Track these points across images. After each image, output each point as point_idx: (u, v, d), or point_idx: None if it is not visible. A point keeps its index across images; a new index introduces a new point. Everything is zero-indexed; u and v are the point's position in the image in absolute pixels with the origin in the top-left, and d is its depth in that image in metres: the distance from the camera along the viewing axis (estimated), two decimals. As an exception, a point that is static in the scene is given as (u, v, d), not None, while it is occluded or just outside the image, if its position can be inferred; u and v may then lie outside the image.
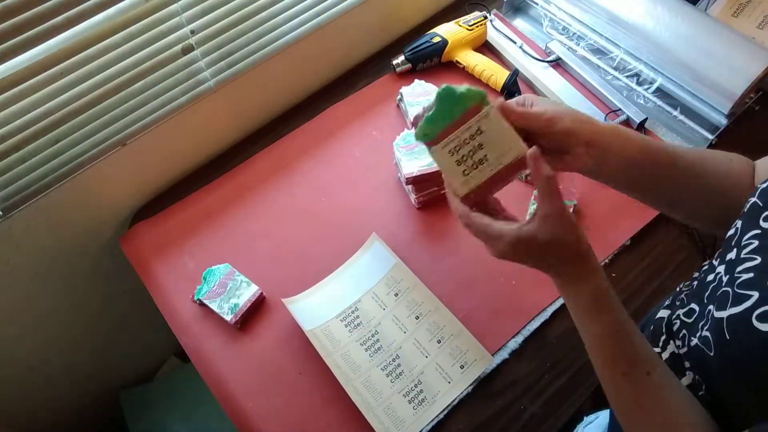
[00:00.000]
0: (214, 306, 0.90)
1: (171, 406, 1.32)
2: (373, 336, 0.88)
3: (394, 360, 0.86)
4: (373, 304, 0.90)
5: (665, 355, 0.60)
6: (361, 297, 0.91)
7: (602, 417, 0.87)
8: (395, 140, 1.01)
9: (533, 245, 0.52)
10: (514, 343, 0.87)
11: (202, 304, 0.92)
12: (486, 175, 0.52)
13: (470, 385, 0.83)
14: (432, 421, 0.81)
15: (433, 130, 0.52)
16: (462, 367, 0.85)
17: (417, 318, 0.89)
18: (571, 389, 0.84)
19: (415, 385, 0.84)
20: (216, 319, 0.91)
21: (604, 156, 0.56)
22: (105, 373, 1.35)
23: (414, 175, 0.95)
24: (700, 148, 0.71)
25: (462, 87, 0.53)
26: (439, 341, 0.87)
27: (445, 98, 0.53)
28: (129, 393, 1.36)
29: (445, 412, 0.82)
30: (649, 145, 0.58)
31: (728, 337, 0.48)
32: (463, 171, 0.52)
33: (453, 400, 0.83)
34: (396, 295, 0.91)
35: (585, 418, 0.90)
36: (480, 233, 0.55)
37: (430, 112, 0.54)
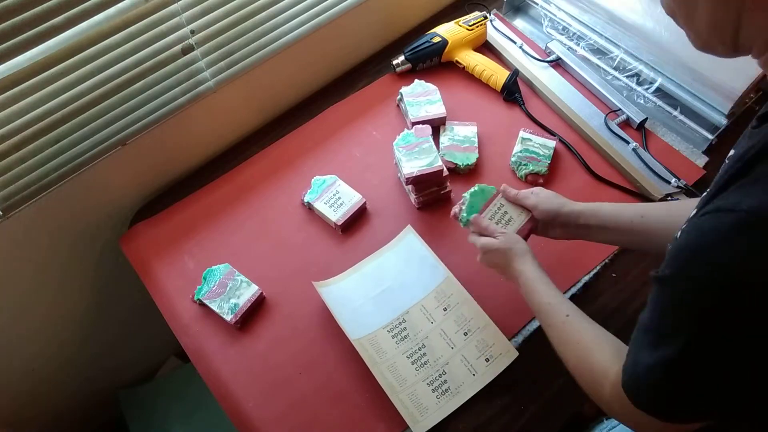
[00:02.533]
0: (214, 306, 0.90)
1: (171, 406, 1.32)
2: (400, 324, 0.89)
3: (420, 349, 0.86)
4: (401, 294, 0.91)
5: None
6: (390, 285, 0.92)
7: None
8: (395, 140, 1.01)
9: (493, 249, 0.79)
10: (514, 343, 0.87)
11: (202, 304, 0.92)
12: (514, 228, 0.83)
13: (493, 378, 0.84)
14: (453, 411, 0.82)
15: (471, 213, 0.84)
16: (487, 360, 0.85)
17: (444, 309, 0.90)
18: (570, 389, 0.83)
19: (440, 375, 0.84)
20: (216, 319, 0.91)
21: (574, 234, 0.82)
22: (105, 373, 1.35)
23: (414, 175, 0.95)
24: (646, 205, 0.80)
25: (485, 185, 0.86)
26: (465, 333, 0.87)
27: (477, 193, 0.86)
28: (129, 393, 1.36)
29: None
30: (609, 215, 0.78)
31: None
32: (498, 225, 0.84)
33: (476, 392, 0.83)
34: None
35: (606, 421, 0.90)
36: (477, 244, 0.82)
37: (466, 204, 0.85)
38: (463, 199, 0.86)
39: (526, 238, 0.82)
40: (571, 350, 0.66)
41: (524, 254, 0.77)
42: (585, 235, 0.81)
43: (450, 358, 0.86)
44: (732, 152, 0.56)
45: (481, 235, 0.81)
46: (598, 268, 0.94)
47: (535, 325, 0.89)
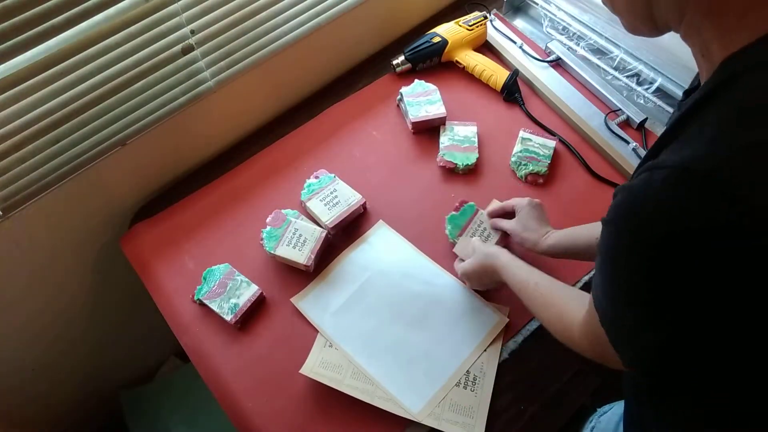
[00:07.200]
0: (214, 306, 0.90)
1: (171, 406, 1.32)
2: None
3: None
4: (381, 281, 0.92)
5: None
6: (370, 276, 0.92)
7: (617, 406, 0.87)
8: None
9: (472, 270, 0.87)
10: (513, 343, 0.88)
11: (202, 304, 0.92)
12: (494, 241, 0.94)
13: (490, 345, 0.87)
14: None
15: (455, 233, 0.96)
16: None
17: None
18: (571, 389, 0.84)
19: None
20: (216, 319, 0.91)
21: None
22: (105, 373, 1.35)
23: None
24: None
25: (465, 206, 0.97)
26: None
27: (458, 216, 0.97)
28: (129, 393, 1.36)
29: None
30: (566, 249, 0.86)
31: None
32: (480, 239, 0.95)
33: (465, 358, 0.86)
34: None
35: (598, 410, 0.90)
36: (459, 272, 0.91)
37: (449, 228, 0.96)
38: (446, 222, 0.96)
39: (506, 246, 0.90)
40: (545, 310, 0.72)
41: (498, 253, 0.83)
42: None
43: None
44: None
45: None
46: (598, 268, 0.94)
47: (535, 324, 0.89)
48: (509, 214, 0.95)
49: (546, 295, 0.73)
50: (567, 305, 0.68)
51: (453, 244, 0.95)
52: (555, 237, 0.86)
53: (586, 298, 0.61)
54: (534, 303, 0.74)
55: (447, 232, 0.95)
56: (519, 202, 0.92)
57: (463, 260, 0.90)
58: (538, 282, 0.75)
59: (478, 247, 0.88)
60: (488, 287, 0.90)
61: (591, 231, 0.83)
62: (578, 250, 0.84)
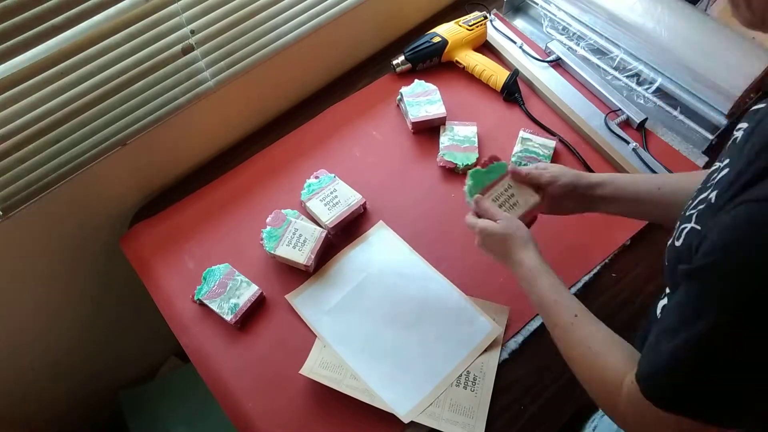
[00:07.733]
0: (214, 306, 0.90)
1: (171, 406, 1.32)
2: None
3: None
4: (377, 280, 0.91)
5: None
6: (368, 274, 0.92)
7: None
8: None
9: (491, 234, 0.74)
10: (513, 343, 0.88)
11: (202, 304, 0.92)
12: (518, 213, 0.79)
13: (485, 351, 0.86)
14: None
15: (475, 191, 0.80)
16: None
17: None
18: (571, 389, 0.84)
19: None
20: (216, 319, 0.91)
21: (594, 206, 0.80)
22: (105, 373, 1.35)
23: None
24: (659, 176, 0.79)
25: (496, 162, 0.82)
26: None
27: (483, 171, 0.81)
28: (129, 393, 1.36)
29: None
30: (626, 186, 0.76)
31: (666, 263, 0.58)
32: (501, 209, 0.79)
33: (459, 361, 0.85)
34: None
35: (600, 409, 0.89)
36: (475, 228, 0.77)
37: (470, 183, 0.80)
38: (468, 176, 0.81)
39: (529, 225, 0.78)
40: (579, 356, 0.62)
41: (526, 242, 0.72)
42: (598, 207, 0.78)
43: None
44: (744, 125, 0.54)
45: (481, 217, 0.76)
46: (598, 268, 0.94)
47: (535, 325, 0.89)
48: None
49: (586, 338, 0.62)
50: (614, 359, 0.58)
51: (464, 211, 0.82)
52: (602, 174, 0.76)
53: (636, 354, 0.54)
54: (568, 342, 0.64)
55: (465, 189, 0.80)
56: (540, 165, 0.81)
57: (478, 215, 0.78)
58: (579, 316, 0.64)
59: (505, 215, 0.75)
60: (494, 258, 0.77)
61: (651, 179, 0.75)
62: (640, 197, 0.74)
